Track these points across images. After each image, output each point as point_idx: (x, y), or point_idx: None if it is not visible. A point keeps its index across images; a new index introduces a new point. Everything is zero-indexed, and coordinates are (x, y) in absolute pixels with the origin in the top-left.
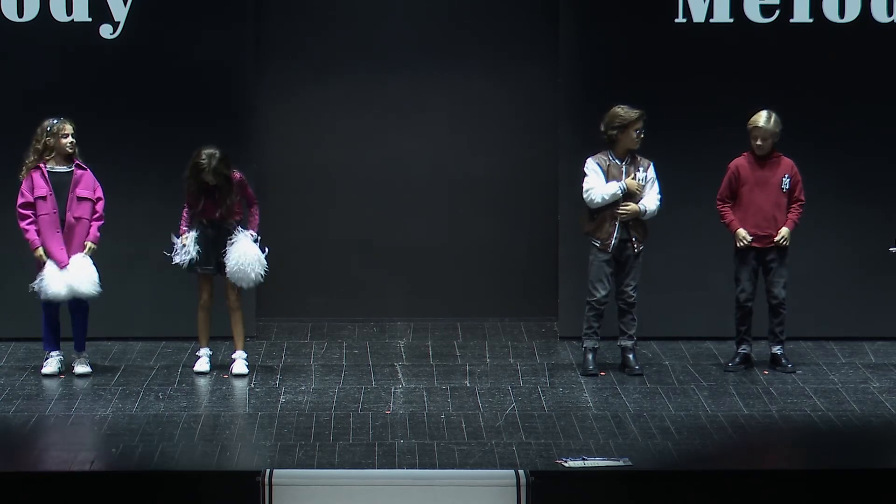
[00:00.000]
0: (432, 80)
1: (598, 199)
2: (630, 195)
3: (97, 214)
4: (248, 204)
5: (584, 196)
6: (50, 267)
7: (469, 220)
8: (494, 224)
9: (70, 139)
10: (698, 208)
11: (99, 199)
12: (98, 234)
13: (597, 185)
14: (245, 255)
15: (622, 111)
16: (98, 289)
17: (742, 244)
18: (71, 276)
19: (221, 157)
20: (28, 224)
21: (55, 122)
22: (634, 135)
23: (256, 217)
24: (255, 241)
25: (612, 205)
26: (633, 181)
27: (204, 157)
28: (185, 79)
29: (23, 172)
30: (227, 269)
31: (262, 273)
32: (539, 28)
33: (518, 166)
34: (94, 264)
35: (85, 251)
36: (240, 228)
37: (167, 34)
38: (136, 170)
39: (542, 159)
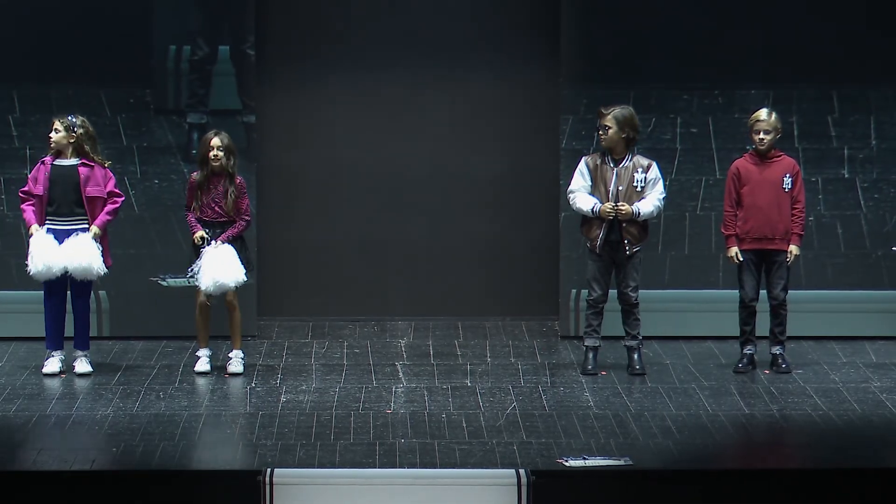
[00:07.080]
0: (433, 79)
1: (576, 208)
2: (619, 206)
3: (113, 208)
4: (239, 212)
5: (568, 197)
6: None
7: (470, 219)
8: (495, 223)
9: (57, 134)
10: (701, 206)
11: (112, 193)
12: (107, 218)
13: (578, 192)
14: (219, 268)
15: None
16: (99, 270)
17: (735, 262)
18: (69, 255)
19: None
20: (27, 205)
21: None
22: (601, 132)
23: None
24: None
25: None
26: (607, 206)
27: (218, 145)
28: (184, 77)
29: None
30: (204, 288)
31: (243, 275)
32: (540, 27)
33: (519, 165)
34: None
35: (90, 234)
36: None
37: (167, 31)
38: (137, 168)
39: (544, 158)
